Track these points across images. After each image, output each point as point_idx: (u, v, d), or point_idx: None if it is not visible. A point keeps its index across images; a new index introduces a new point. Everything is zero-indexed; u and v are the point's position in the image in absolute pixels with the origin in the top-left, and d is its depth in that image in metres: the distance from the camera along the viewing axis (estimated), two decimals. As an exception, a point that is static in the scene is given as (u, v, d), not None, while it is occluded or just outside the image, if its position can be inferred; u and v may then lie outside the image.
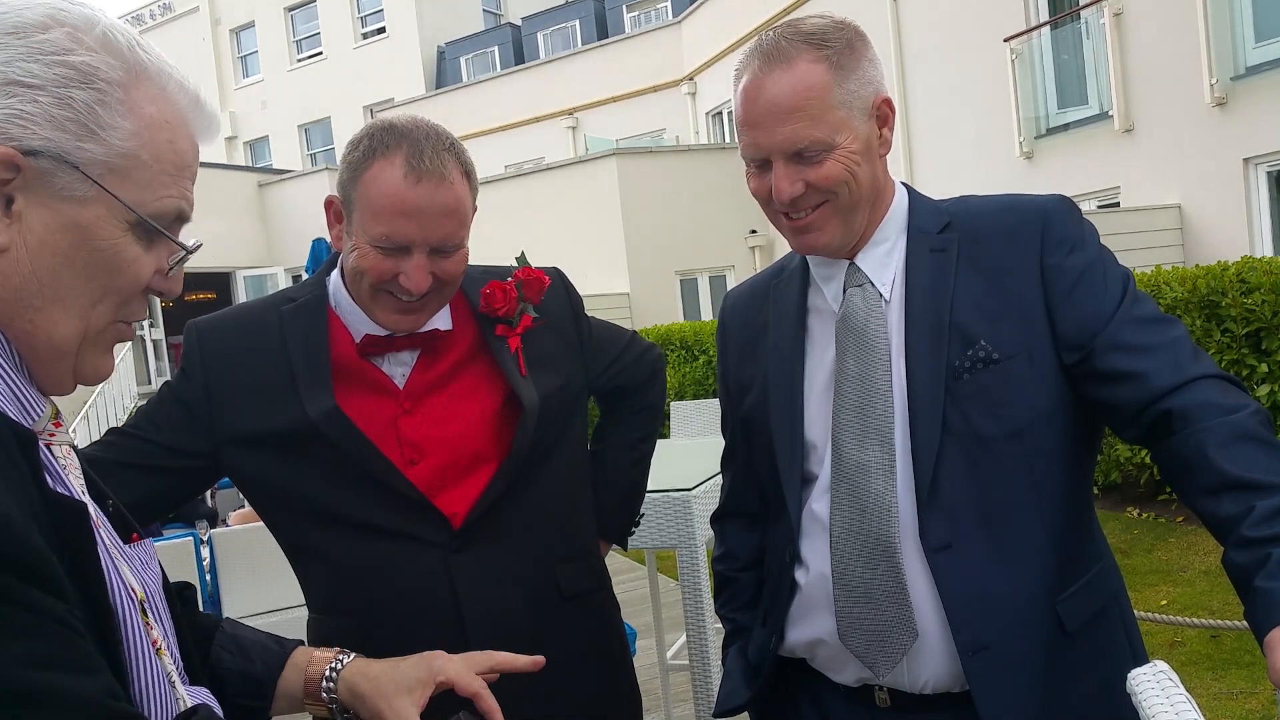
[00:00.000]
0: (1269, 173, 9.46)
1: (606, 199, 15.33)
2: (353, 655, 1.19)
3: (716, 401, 4.64)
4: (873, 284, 1.38)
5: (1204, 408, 1.16)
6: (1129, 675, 1.00)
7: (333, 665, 1.17)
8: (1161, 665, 0.99)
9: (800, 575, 1.38)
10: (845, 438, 1.32)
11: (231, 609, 4.27)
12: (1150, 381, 1.21)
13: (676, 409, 4.91)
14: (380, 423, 1.45)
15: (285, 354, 1.46)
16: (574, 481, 1.59)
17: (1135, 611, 1.42)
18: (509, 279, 1.55)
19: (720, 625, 1.60)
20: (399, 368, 1.49)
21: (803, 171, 1.30)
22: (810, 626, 1.38)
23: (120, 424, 1.59)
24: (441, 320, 1.52)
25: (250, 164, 25.32)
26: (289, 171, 21.54)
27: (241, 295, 18.48)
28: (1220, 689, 3.74)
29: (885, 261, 1.38)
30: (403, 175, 1.36)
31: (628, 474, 1.76)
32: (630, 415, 1.77)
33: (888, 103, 1.36)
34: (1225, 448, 1.12)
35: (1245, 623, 1.06)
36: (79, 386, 0.93)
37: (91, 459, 1.43)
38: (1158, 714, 0.89)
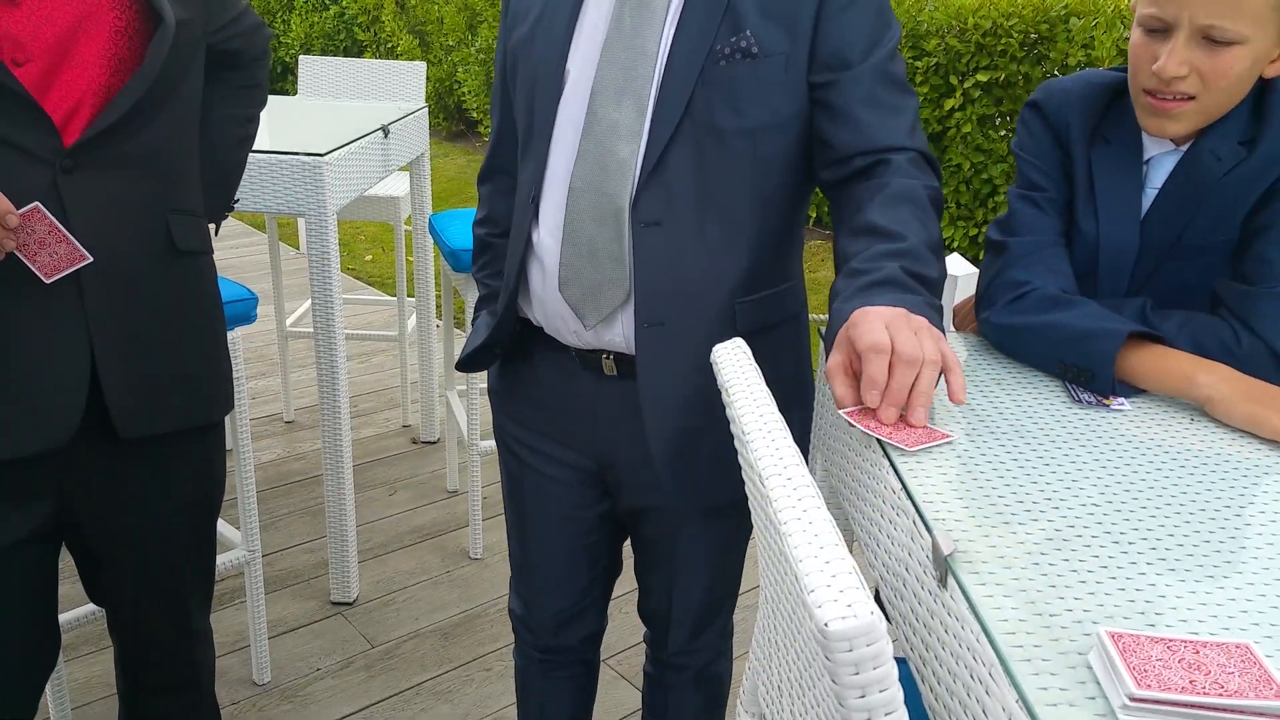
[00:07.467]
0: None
1: None
2: None
3: (346, 60, 4.24)
4: None
5: (895, 170, 1.26)
6: (713, 350, 1.15)
7: None
8: (740, 342, 1.13)
9: (536, 232, 1.42)
10: (603, 94, 1.34)
11: None
12: (870, 133, 1.29)
13: (305, 64, 4.17)
14: None
15: None
16: (187, 137, 1.51)
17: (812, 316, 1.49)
18: None
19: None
20: None
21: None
22: (540, 282, 1.43)
23: None
24: None
25: None
26: None
27: None
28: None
29: None
30: None
31: (231, 152, 1.71)
32: (240, 89, 1.70)
33: None
34: (885, 205, 1.22)
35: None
36: None
37: None
38: (730, 383, 1.04)
